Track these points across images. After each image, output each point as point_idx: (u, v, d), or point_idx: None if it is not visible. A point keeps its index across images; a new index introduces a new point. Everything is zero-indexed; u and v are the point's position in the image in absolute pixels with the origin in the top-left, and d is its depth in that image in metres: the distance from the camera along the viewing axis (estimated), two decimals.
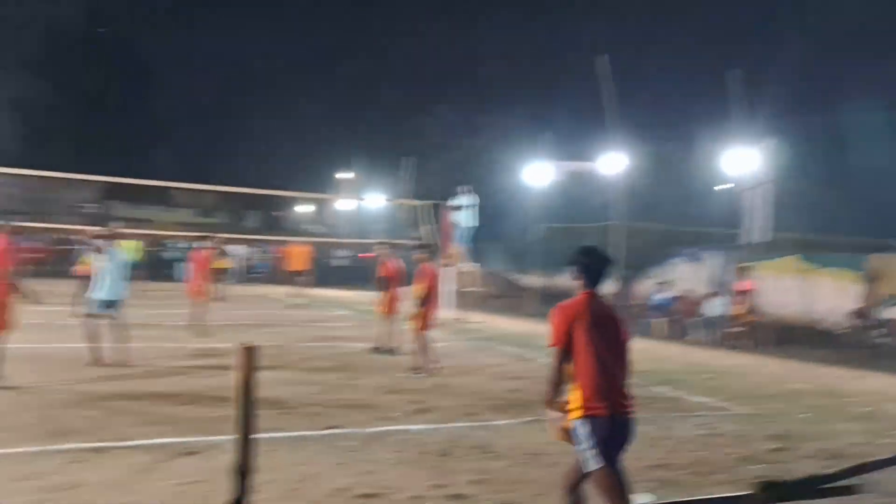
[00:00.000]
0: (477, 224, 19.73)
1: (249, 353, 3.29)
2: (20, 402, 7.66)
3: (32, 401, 7.75)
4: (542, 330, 15.31)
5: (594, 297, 4.16)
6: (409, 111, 41.84)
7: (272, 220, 54.49)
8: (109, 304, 10.24)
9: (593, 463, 3.94)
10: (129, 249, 20.56)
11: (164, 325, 15.03)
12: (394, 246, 13.04)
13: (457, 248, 19.44)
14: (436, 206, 20.40)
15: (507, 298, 24.68)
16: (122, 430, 6.74)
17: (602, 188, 25.52)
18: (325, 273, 31.34)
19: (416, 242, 13.23)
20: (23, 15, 33.90)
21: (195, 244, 16.59)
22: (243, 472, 3.24)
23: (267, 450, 6.20)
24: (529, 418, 7.87)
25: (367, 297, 22.67)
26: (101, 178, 23.38)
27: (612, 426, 3.94)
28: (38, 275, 20.67)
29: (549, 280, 28.33)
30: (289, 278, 22.15)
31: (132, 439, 6.42)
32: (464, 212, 19.58)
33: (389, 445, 6.63)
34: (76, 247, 21.47)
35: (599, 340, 3.97)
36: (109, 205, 51.90)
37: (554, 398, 4.06)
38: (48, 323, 13.42)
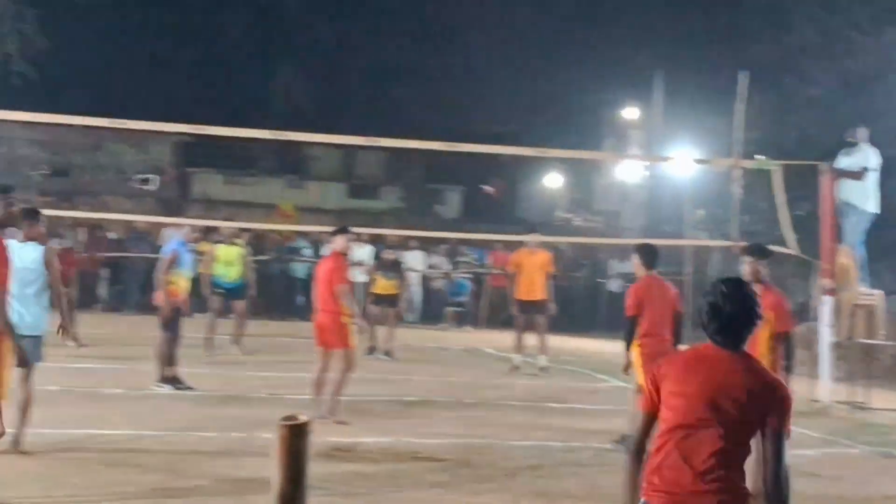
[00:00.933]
0: (878, 209, 11.76)
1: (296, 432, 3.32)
2: None
3: None
4: None
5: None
6: None
7: (481, 201, 35.26)
8: None
9: None
10: None
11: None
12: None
13: (848, 254, 11.48)
14: (799, 172, 12.62)
15: None
16: None
17: None
18: (588, 305, 20.31)
19: (744, 244, 8.90)
20: None
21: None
22: None
23: None
24: None
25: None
26: (175, 127, 16.64)
27: None
28: None
29: None
30: (515, 315, 13.01)
31: None
32: (861, 182, 11.55)
33: None
34: None
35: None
36: (190, 175, 42.89)
37: None
38: None
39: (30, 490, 5.81)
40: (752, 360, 3.24)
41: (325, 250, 12.00)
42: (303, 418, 3.29)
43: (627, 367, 8.16)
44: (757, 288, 6.77)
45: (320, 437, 5.99)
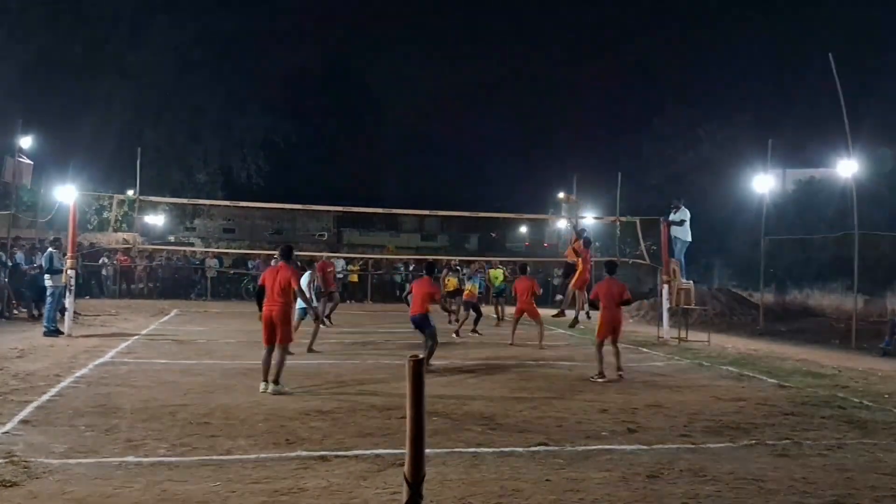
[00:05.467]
0: (690, 240, 18.22)
1: (417, 366, 3.47)
2: (259, 413, 8.38)
3: (269, 411, 8.47)
4: (772, 350, 14.60)
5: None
6: (627, 127, 42.13)
7: (490, 240, 60.38)
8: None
9: None
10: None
11: (392, 343, 15.87)
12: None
13: (676, 263, 18.13)
14: (651, 222, 19.86)
15: (735, 316, 23.23)
16: (343, 440, 7.23)
17: (839, 196, 23.64)
18: (545, 290, 31.22)
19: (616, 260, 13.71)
20: (266, 64, 38.77)
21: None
22: (411, 482, 3.39)
23: (473, 464, 6.40)
24: (747, 442, 7.46)
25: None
26: (335, 207, 28.53)
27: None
28: None
29: (780, 296, 26.52)
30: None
31: (352, 449, 6.86)
32: (682, 226, 18.15)
33: (597, 464, 6.52)
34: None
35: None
36: (342, 232, 59.56)
37: None
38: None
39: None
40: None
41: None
42: (420, 355, 3.79)
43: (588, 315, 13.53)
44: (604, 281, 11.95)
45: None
